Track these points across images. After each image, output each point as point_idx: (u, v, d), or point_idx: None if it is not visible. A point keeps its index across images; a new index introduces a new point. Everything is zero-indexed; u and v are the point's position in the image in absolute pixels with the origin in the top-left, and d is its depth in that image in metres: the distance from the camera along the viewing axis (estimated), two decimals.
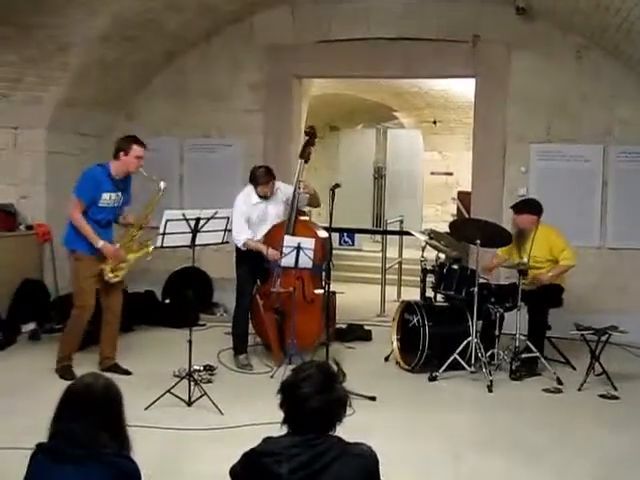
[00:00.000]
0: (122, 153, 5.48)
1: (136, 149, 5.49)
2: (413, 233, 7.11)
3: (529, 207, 6.08)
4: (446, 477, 4.03)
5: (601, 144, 7.22)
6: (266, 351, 6.28)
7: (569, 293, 6.12)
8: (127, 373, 5.63)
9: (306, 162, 6.06)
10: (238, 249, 6.02)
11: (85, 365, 5.42)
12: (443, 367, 5.72)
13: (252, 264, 5.98)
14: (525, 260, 5.99)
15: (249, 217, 5.94)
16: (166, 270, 7.90)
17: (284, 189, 6.12)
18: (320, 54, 7.76)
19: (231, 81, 8.05)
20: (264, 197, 5.98)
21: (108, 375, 2.55)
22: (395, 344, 6.18)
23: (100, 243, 5.44)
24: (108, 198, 5.51)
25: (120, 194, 5.60)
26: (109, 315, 5.76)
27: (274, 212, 6.07)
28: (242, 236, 5.88)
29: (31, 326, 6.80)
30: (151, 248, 5.53)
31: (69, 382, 2.45)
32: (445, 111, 13.50)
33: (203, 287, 7.93)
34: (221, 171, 8.06)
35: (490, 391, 5.44)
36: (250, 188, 6.00)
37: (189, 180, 8.26)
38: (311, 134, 6.12)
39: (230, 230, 5.48)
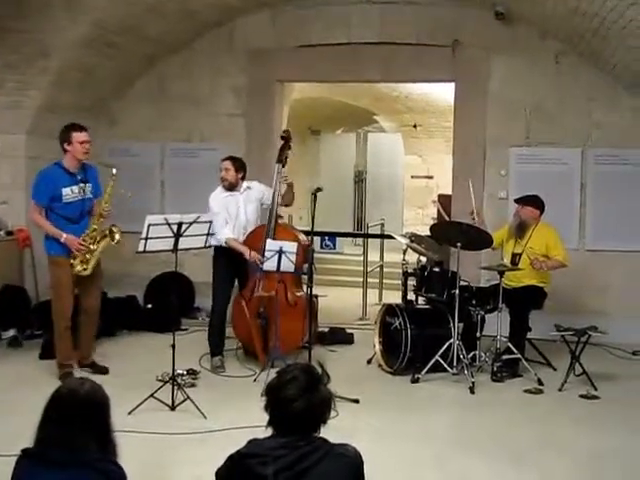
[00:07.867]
0: (65, 144, 5.49)
1: (75, 135, 5.48)
2: (394, 236, 7.14)
3: (534, 201, 6.23)
4: (429, 478, 4.05)
5: (579, 147, 7.31)
6: (248, 355, 6.27)
7: (549, 294, 6.18)
8: (104, 371, 5.64)
9: (283, 166, 6.13)
10: (216, 250, 6.03)
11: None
12: (425, 369, 5.76)
13: (229, 266, 6.02)
14: (506, 261, 6.10)
15: (227, 211, 5.97)
16: (148, 275, 7.88)
17: (258, 187, 6.20)
18: (301, 58, 7.80)
19: (213, 85, 8.05)
20: (230, 189, 6.02)
21: (85, 373, 2.54)
22: (377, 347, 6.21)
23: (63, 236, 5.43)
24: (70, 192, 5.50)
25: (84, 186, 5.56)
26: (86, 317, 5.79)
27: (248, 208, 6.10)
28: (224, 233, 5.90)
29: (11, 332, 6.73)
30: (117, 236, 5.49)
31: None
32: (425, 115, 13.57)
33: (185, 292, 7.91)
34: (203, 176, 8.01)
35: (472, 392, 5.48)
36: (219, 188, 6.09)
37: (170, 185, 8.24)
38: (286, 138, 6.19)
39: (212, 234, 5.48)
